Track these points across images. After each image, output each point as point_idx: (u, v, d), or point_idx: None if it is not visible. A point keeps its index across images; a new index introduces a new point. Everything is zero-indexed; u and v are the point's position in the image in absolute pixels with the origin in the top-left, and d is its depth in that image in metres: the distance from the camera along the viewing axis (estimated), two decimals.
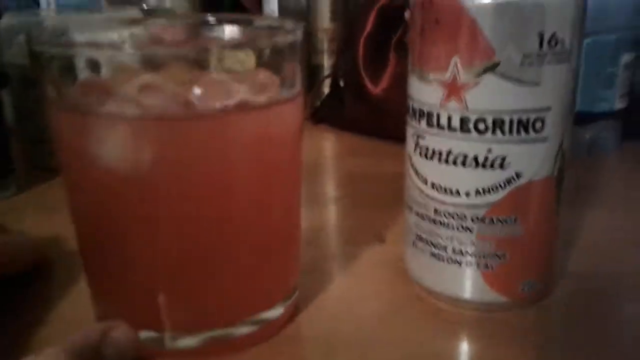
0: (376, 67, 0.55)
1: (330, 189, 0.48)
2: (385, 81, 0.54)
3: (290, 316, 0.28)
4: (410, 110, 0.28)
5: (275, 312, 0.27)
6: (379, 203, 0.42)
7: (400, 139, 0.54)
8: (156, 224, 0.24)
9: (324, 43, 0.66)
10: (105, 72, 0.23)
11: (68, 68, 0.23)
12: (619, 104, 0.49)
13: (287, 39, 0.25)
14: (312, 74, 0.65)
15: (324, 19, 0.69)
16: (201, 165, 0.23)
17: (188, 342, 0.26)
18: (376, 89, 0.55)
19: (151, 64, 0.23)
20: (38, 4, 0.69)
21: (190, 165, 0.23)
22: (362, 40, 0.56)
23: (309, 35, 0.66)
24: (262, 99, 0.24)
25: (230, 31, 0.29)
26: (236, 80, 0.23)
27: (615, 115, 0.49)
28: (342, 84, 0.59)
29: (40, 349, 0.22)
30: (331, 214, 0.42)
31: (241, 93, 0.24)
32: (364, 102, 0.56)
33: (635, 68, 0.49)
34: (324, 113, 0.61)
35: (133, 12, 0.57)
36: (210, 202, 0.24)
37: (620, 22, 0.48)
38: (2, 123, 0.44)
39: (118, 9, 0.62)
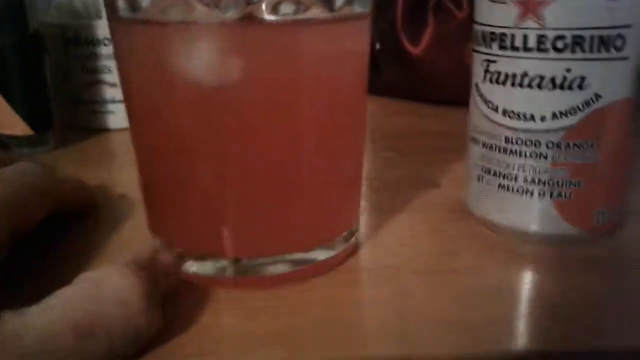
0: (415, 28, 0.55)
1: (374, 144, 0.47)
2: (425, 42, 0.54)
3: (352, 250, 0.28)
4: (479, 36, 0.27)
5: (339, 245, 0.27)
6: (427, 154, 0.42)
7: (441, 101, 0.54)
8: (227, 142, 0.23)
9: None
10: None
11: None
12: None
13: None
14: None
15: None
16: (280, 79, 0.22)
17: (250, 269, 0.25)
18: (416, 50, 0.54)
19: None
20: None
21: (269, 77, 0.22)
22: (400, 1, 0.55)
23: None
24: (335, 13, 0.23)
25: None
26: None
27: None
28: (377, 46, 0.59)
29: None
30: (380, 164, 0.41)
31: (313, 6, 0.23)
32: (402, 65, 0.56)
33: None
34: None
35: None
36: (284, 119, 0.23)
37: None
38: (43, 80, 0.43)
39: None
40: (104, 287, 0.20)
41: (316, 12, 0.23)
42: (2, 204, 0.24)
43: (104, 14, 0.48)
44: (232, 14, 0.22)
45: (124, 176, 0.38)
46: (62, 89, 0.49)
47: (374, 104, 0.58)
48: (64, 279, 0.20)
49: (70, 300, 0.19)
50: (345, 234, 0.27)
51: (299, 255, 0.25)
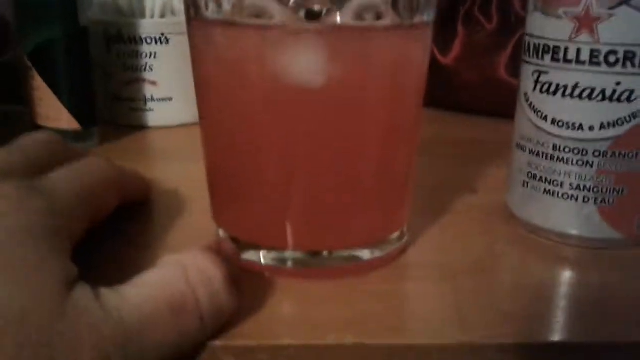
0: (444, 38, 0.56)
1: None
2: (454, 51, 0.55)
3: (403, 249, 0.29)
4: (531, 48, 0.29)
5: (392, 242, 0.28)
6: (460, 161, 0.43)
7: (472, 110, 0.55)
8: (298, 140, 0.25)
9: None
10: None
11: None
12: None
13: None
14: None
15: None
16: (356, 82, 0.24)
17: (305, 262, 0.27)
18: (445, 59, 0.55)
19: None
20: None
21: (346, 80, 0.24)
22: None
23: None
24: (412, 20, 0.25)
25: None
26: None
27: None
28: None
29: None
30: (417, 170, 0.42)
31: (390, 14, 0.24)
32: (432, 74, 0.57)
33: None
34: None
35: None
36: (355, 121, 0.25)
37: None
38: (90, 77, 0.44)
39: None
40: (189, 269, 0.21)
41: (393, 19, 0.24)
42: (81, 198, 0.25)
43: (147, 12, 0.49)
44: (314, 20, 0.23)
45: (170, 173, 0.40)
46: (102, 86, 0.50)
47: None
48: (137, 264, 0.22)
49: (161, 280, 0.21)
50: (398, 232, 0.28)
51: (356, 252, 0.27)
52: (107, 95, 0.51)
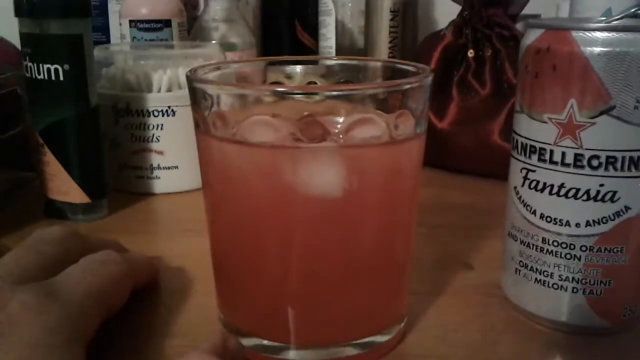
0: (439, 102, 0.58)
1: None
2: (450, 116, 0.57)
3: (400, 339, 0.30)
4: (519, 146, 0.31)
5: (389, 335, 0.29)
6: (457, 231, 0.45)
7: (464, 171, 0.57)
8: (293, 244, 0.27)
9: None
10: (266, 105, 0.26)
11: (241, 103, 0.26)
12: None
13: (424, 82, 0.27)
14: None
15: (383, 55, 0.72)
16: (359, 191, 0.26)
17: (305, 355, 0.28)
18: (441, 123, 0.57)
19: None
20: (109, 35, 0.73)
21: (350, 190, 0.26)
22: None
23: None
24: (404, 134, 0.27)
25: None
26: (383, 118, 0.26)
27: None
28: None
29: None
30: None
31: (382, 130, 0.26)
32: (428, 137, 0.59)
33: None
34: None
35: (212, 47, 0.60)
36: (340, 227, 0.27)
37: None
38: (100, 151, 0.46)
39: (188, 45, 0.66)
40: None
41: (390, 134, 0.26)
42: (95, 297, 0.27)
43: (154, 87, 0.51)
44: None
45: (176, 247, 0.41)
46: (110, 155, 0.52)
47: None
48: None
49: None
50: (397, 319, 0.30)
51: (357, 342, 0.28)
52: (115, 164, 0.52)
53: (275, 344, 0.28)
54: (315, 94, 0.26)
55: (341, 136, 0.26)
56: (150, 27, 0.64)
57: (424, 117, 0.28)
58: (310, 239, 0.27)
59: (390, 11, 0.73)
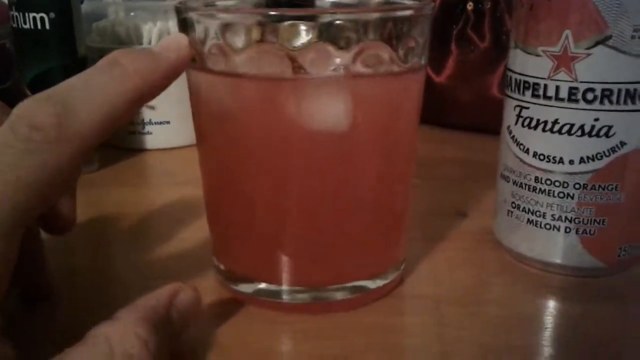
0: (438, 57, 0.57)
1: None
2: (447, 70, 0.56)
3: (399, 282, 0.30)
4: (512, 83, 0.30)
5: (387, 279, 0.29)
6: (455, 183, 0.44)
7: (463, 127, 0.56)
8: (293, 183, 0.26)
9: None
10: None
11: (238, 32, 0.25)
12: None
13: (424, 11, 0.26)
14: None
15: None
16: (359, 125, 0.25)
17: (302, 296, 0.27)
18: (438, 78, 0.56)
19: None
20: None
21: (351, 123, 0.25)
22: None
23: None
24: (410, 64, 0.26)
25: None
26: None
27: None
28: None
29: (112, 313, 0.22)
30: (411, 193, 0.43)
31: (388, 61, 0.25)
32: (426, 92, 0.58)
33: None
34: None
35: None
36: (348, 164, 0.26)
37: None
38: None
39: None
40: (114, 345, 0.20)
41: (393, 65, 0.26)
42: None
43: (145, 39, 0.50)
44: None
45: (169, 197, 0.41)
46: None
47: None
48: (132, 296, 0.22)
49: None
50: (394, 264, 0.29)
51: (351, 284, 0.28)
52: None
53: (272, 287, 0.27)
54: (314, 18, 0.25)
55: (347, 65, 0.25)
56: None
57: (427, 48, 0.27)
58: (311, 178, 0.26)
59: None
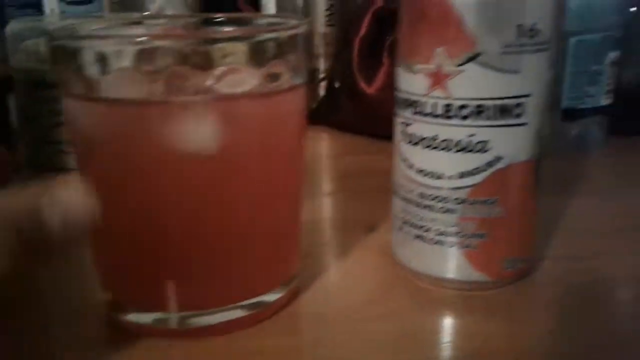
0: (370, 68, 0.57)
1: (324, 184, 0.49)
2: (379, 81, 0.56)
3: (290, 298, 0.30)
4: (398, 101, 0.30)
5: (277, 295, 0.29)
6: (371, 196, 0.44)
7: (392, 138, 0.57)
8: (162, 206, 0.26)
9: (320, 47, 0.68)
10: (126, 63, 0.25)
11: (101, 59, 0.25)
12: (604, 101, 0.51)
13: (293, 33, 0.26)
14: (308, 78, 0.67)
15: (320, 23, 0.71)
16: (231, 146, 0.25)
17: (195, 321, 0.27)
18: (370, 89, 0.56)
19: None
20: (42, 12, 0.71)
21: (224, 145, 0.25)
22: (357, 42, 0.57)
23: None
24: (280, 85, 0.26)
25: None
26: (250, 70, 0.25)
27: (601, 112, 0.51)
28: (337, 85, 0.61)
29: None
30: (325, 207, 0.43)
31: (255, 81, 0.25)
32: (358, 103, 0.58)
33: (620, 66, 0.50)
34: (320, 114, 0.63)
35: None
36: (222, 186, 0.26)
37: (605, 21, 0.50)
38: (8, 127, 0.45)
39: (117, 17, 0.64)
40: None
41: (261, 86, 0.26)
42: None
43: None
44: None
45: None
46: (28, 130, 0.51)
47: (332, 141, 0.61)
48: None
49: None
50: (281, 283, 0.29)
51: (241, 303, 0.27)
52: (34, 139, 0.51)
53: (160, 315, 0.27)
54: (176, 41, 0.25)
55: (210, 88, 0.25)
56: (78, 0, 0.62)
57: (301, 68, 0.27)
58: (186, 201, 0.26)
59: None
